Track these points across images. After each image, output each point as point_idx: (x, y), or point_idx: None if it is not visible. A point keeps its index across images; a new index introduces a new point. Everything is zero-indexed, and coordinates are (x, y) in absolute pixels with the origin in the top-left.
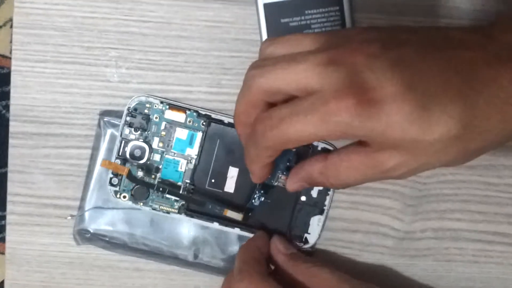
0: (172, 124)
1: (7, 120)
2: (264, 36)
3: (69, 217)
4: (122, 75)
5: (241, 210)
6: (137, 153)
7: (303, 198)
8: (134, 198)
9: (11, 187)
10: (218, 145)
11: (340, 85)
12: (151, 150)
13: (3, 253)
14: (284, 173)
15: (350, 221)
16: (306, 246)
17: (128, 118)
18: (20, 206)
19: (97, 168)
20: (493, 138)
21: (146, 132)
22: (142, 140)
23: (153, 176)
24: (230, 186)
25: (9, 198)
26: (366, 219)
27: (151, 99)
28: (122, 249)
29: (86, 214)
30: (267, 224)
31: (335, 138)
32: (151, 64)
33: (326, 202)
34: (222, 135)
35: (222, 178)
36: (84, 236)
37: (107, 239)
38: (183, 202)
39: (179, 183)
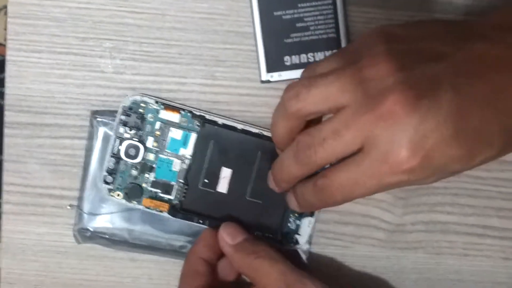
0: (167, 124)
1: (1, 106)
2: (258, 29)
3: (68, 207)
4: (116, 66)
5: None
6: (132, 152)
7: None
8: (128, 196)
9: (6, 177)
10: (212, 146)
11: (389, 147)
12: (146, 149)
13: None
14: None
15: (341, 214)
16: (297, 247)
17: (122, 117)
18: (15, 196)
19: (93, 168)
20: None
21: (140, 131)
22: (136, 139)
23: (146, 176)
24: (223, 186)
25: (4, 187)
26: (358, 211)
27: (146, 99)
28: (123, 245)
29: (85, 214)
30: (258, 226)
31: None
32: (145, 56)
33: None
34: (216, 136)
35: (215, 178)
36: (84, 235)
37: (107, 236)
38: (177, 202)
39: (173, 183)
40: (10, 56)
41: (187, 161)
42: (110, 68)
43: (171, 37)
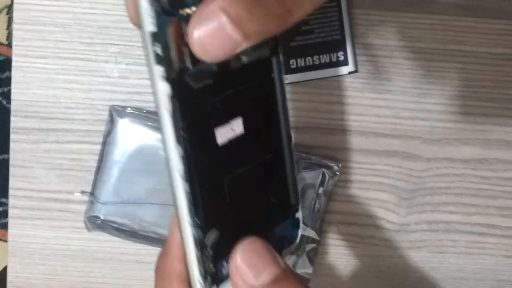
0: None
1: (4, 107)
2: None
3: (79, 194)
4: (121, 71)
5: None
6: None
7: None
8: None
9: (13, 182)
10: None
11: None
12: None
13: (2, 240)
14: None
15: (346, 214)
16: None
17: None
18: (22, 200)
19: (111, 161)
20: None
21: None
22: None
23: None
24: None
25: (11, 192)
26: (362, 212)
27: None
28: (132, 236)
29: (97, 202)
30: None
31: None
32: None
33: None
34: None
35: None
36: (95, 223)
37: (117, 226)
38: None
39: None
40: (16, 62)
41: None
42: (116, 73)
43: None
